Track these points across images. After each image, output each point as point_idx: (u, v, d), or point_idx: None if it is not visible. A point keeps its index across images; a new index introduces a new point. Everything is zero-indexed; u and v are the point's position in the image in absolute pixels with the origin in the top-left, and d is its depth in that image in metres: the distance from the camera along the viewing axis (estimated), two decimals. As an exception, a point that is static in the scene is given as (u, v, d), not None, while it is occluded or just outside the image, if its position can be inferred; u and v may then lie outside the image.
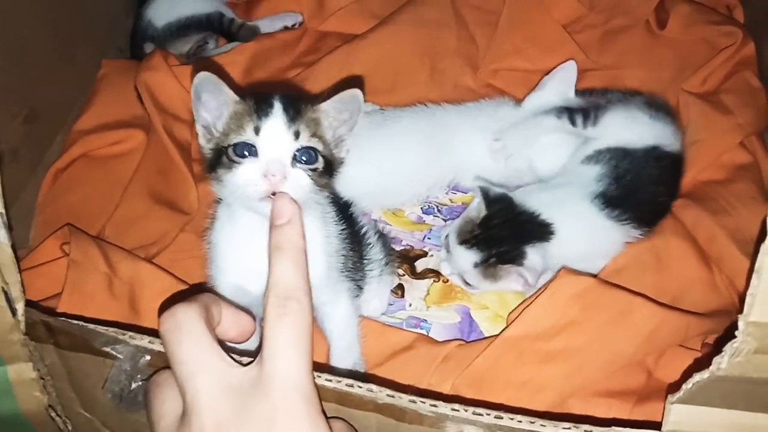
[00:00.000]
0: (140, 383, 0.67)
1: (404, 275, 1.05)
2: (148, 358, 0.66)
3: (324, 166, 0.71)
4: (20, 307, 0.66)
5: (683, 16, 1.25)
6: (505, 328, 0.90)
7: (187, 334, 0.53)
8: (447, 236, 1.05)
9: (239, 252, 0.77)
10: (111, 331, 0.67)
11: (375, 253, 0.96)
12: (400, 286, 1.03)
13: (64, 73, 1.17)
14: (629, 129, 1.07)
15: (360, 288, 0.91)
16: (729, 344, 0.53)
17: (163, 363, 0.66)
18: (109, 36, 1.30)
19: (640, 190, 1.03)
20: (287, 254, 0.57)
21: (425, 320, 0.99)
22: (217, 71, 0.71)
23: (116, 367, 0.67)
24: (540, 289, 0.91)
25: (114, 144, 1.14)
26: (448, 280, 1.04)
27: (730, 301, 0.95)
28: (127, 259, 0.94)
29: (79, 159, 1.12)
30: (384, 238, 1.03)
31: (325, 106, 0.73)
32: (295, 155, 0.69)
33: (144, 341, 0.66)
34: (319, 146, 0.71)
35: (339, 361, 0.85)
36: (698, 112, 1.11)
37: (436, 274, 1.05)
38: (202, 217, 1.07)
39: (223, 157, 0.70)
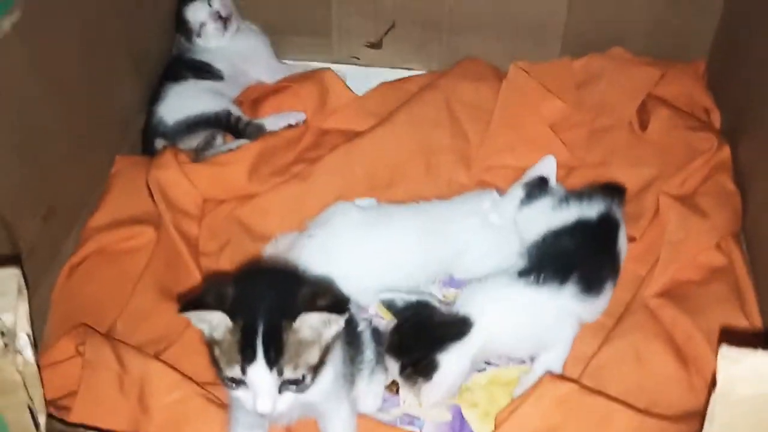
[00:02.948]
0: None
1: (399, 371, 1.10)
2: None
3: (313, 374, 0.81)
4: (42, 420, 0.72)
5: (663, 119, 1.32)
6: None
7: None
8: None
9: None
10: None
11: (369, 352, 1.02)
12: (395, 382, 1.08)
13: (80, 169, 1.24)
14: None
15: (353, 383, 0.97)
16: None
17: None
18: (121, 132, 1.38)
19: (549, 251, 1.08)
20: None
21: (418, 418, 1.04)
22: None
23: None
24: (527, 391, 0.97)
25: (126, 240, 1.21)
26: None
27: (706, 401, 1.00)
28: (137, 357, 1.00)
29: (93, 255, 1.19)
30: (378, 335, 1.08)
31: (305, 323, 0.80)
32: (281, 385, 0.79)
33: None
34: (304, 372, 0.80)
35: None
36: (676, 214, 1.17)
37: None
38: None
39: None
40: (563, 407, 0.92)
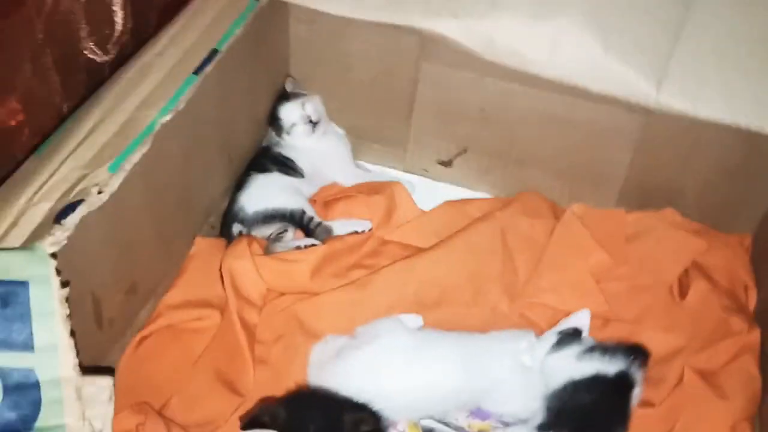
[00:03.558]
0: None
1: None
2: None
3: None
4: None
5: (701, 292, 1.40)
6: None
7: None
8: None
9: None
10: None
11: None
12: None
13: (163, 248, 1.35)
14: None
15: None
16: None
17: None
18: (204, 214, 1.50)
19: (566, 405, 1.17)
20: None
21: None
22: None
23: None
24: None
25: (193, 320, 1.33)
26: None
27: None
28: (190, 441, 1.12)
29: (162, 330, 1.31)
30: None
31: None
32: None
33: None
34: None
35: None
36: (698, 391, 1.26)
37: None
38: (252, 402, 1.26)
39: None
40: None
